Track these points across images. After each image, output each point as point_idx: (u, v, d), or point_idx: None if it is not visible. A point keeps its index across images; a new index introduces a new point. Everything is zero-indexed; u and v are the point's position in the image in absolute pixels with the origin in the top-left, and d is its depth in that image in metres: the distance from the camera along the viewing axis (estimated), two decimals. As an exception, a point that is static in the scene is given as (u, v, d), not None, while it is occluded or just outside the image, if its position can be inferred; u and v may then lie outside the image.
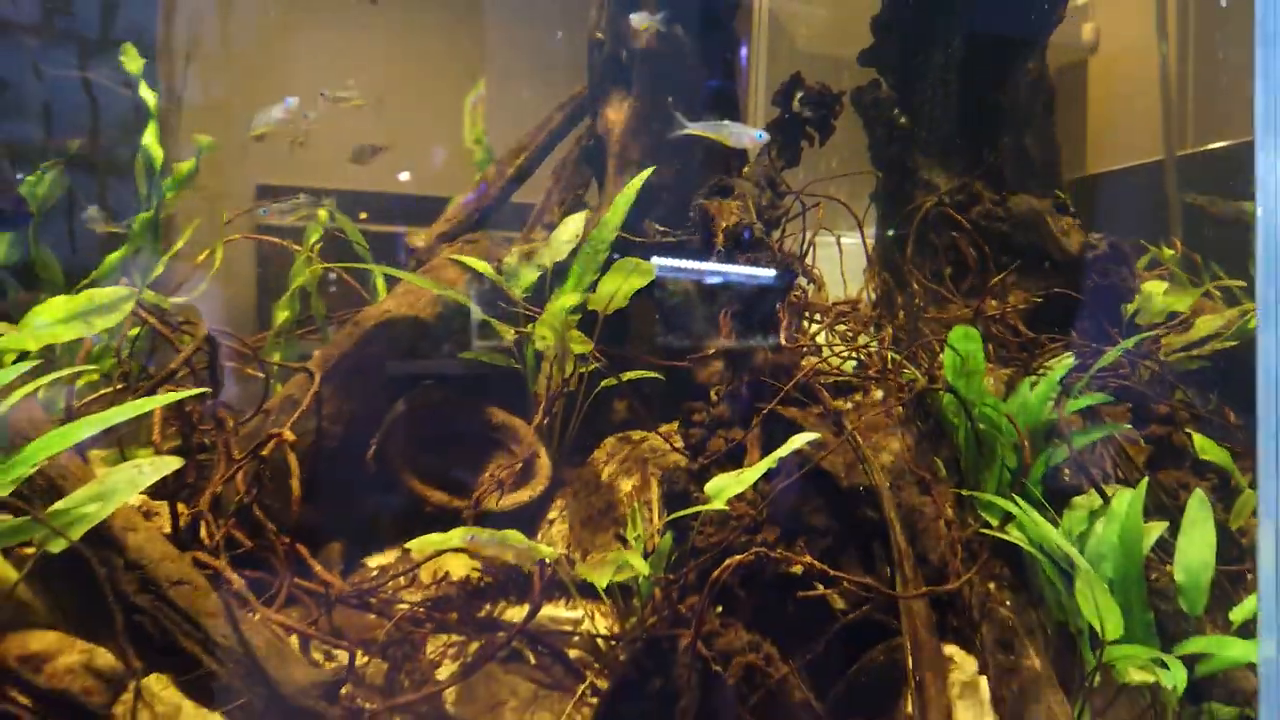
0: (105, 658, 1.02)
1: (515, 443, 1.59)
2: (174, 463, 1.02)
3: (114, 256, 1.49)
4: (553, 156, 1.93)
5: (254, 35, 1.85)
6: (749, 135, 1.50)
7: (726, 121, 1.53)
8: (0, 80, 1.45)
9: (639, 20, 1.58)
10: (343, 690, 1.11)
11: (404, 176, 2.00)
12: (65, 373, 1.08)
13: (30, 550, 1.00)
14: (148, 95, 1.52)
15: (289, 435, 1.22)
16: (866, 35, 1.98)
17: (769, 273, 1.44)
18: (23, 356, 1.10)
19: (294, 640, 1.17)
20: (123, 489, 0.97)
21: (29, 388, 0.99)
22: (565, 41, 1.98)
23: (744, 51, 1.83)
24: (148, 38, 1.65)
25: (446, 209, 1.79)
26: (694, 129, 1.51)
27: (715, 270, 1.47)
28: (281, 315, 1.65)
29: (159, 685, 1.00)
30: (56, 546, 0.93)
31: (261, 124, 1.41)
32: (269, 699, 1.03)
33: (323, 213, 1.68)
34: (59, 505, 0.96)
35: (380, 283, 1.71)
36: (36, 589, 1.04)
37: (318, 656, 1.26)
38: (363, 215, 1.69)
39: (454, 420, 1.58)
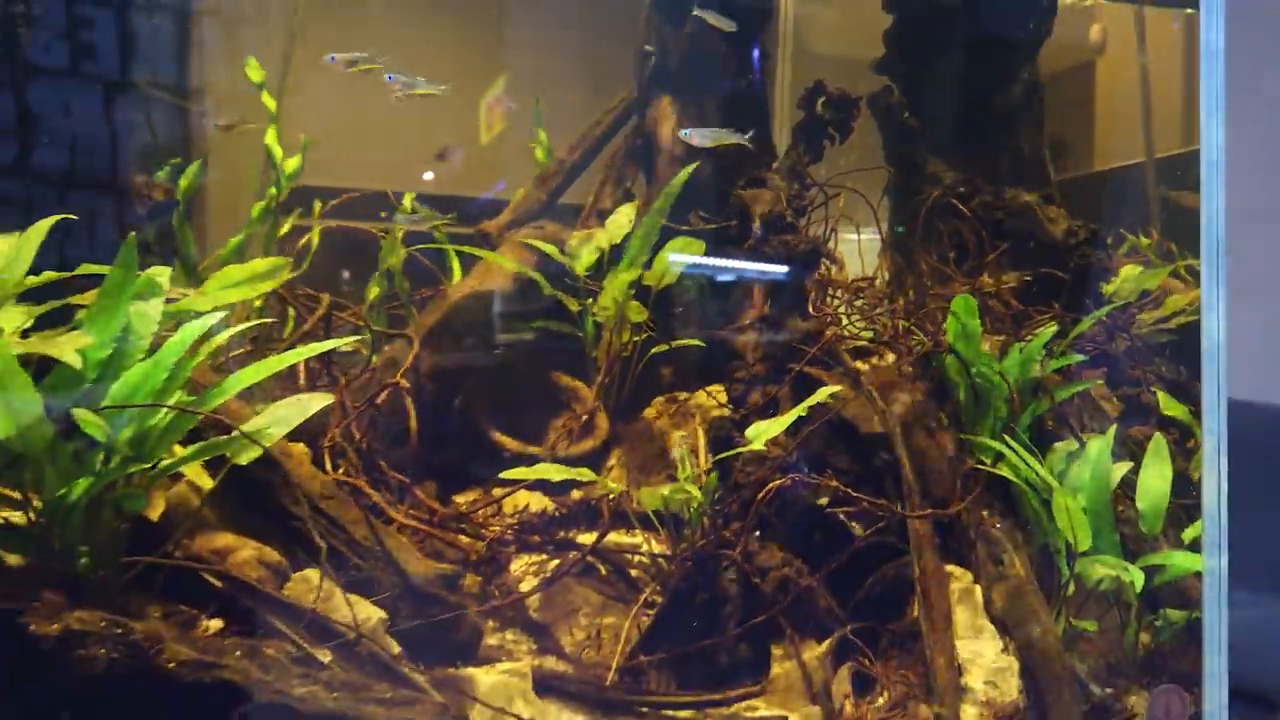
0: (272, 554, 1.27)
1: (576, 402, 1.84)
2: (327, 398, 1.27)
3: (235, 240, 1.74)
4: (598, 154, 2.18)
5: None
6: (738, 138, 1.75)
7: (722, 130, 1.78)
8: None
9: (693, 137, 1.79)
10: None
11: (428, 176, 2.18)
12: (244, 326, 1.32)
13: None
14: (269, 101, 1.78)
15: (404, 383, 1.47)
16: (879, 39, 2.22)
17: (797, 253, 1.69)
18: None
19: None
20: (293, 415, 1.22)
21: (221, 337, 1.24)
22: (609, 52, 2.22)
23: (756, 54, 2.08)
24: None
25: (511, 200, 2.05)
26: (691, 136, 1.76)
27: (751, 252, 1.72)
28: (373, 291, 1.90)
29: (314, 576, 1.26)
30: (247, 457, 1.18)
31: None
32: (402, 587, 1.28)
33: (406, 202, 1.93)
34: (244, 427, 1.20)
35: (456, 266, 1.96)
36: (205, 501, 1.29)
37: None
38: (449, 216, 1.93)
39: (523, 381, 1.84)
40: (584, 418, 1.72)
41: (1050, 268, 1.89)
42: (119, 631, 1.03)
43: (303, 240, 1.94)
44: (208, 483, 1.25)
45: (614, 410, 1.81)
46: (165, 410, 1.14)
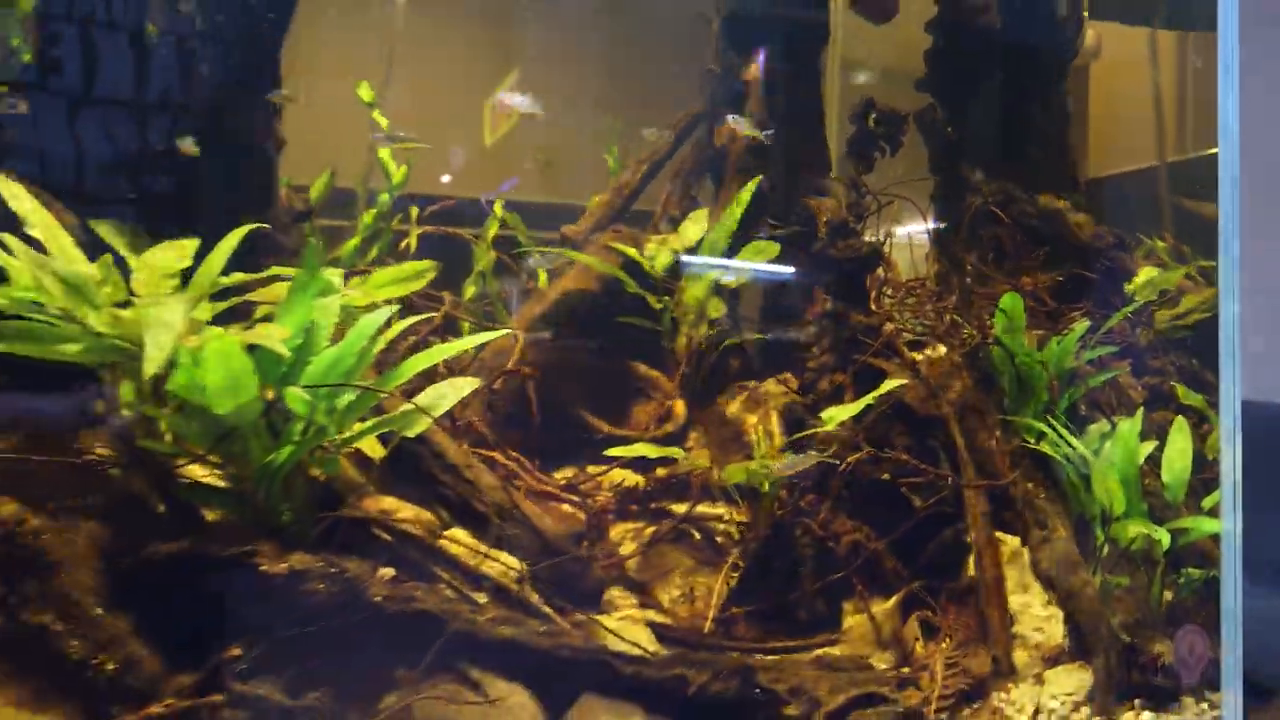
0: (426, 514, 1.47)
1: (654, 389, 2.05)
2: (475, 381, 1.46)
3: (353, 242, 1.94)
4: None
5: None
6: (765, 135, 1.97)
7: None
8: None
9: (736, 123, 2.01)
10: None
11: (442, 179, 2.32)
12: (412, 320, 1.52)
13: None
14: (381, 119, 1.97)
15: (527, 371, 1.67)
16: (920, 49, 2.41)
17: (860, 255, 1.90)
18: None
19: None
20: (451, 394, 1.42)
21: (396, 328, 1.44)
22: (669, 71, 2.43)
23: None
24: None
25: (588, 207, 2.25)
26: (738, 124, 1.97)
27: (816, 254, 1.93)
28: (469, 290, 2.10)
29: (462, 535, 1.46)
30: (416, 430, 1.38)
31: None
32: (537, 543, 1.48)
33: (497, 208, 2.13)
34: (408, 405, 1.40)
35: (541, 271, 2.15)
36: (360, 471, 1.49)
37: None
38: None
39: (607, 370, 2.04)
40: (667, 403, 1.93)
41: (1079, 268, 2.10)
42: (334, 571, 1.23)
43: (402, 243, 2.13)
44: (379, 451, 1.45)
45: (690, 397, 2.01)
46: (352, 389, 1.34)
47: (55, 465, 1.27)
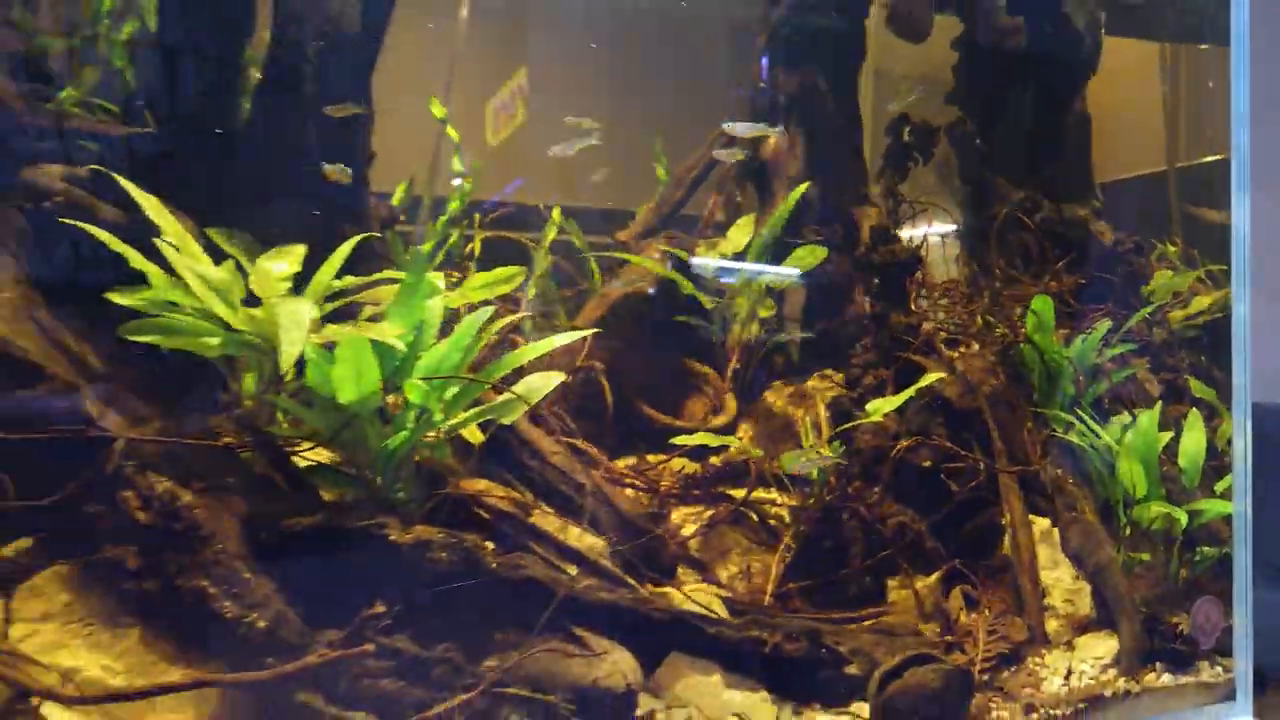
0: (517, 494, 1.62)
1: (706, 384, 2.20)
2: (561, 375, 1.61)
3: (426, 246, 2.08)
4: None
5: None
6: (773, 131, 2.12)
7: (758, 124, 2.12)
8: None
9: (745, 129, 2.15)
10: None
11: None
12: (511, 319, 1.66)
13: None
14: (453, 133, 2.12)
15: (599, 365, 1.82)
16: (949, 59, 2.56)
17: (901, 260, 2.05)
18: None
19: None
20: (542, 385, 1.56)
21: (496, 326, 1.58)
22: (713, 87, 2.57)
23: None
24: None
25: (637, 214, 2.40)
26: (734, 127, 2.10)
27: (860, 259, 2.08)
28: (530, 292, 2.25)
29: (548, 510, 1.60)
30: (511, 417, 1.53)
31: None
32: (615, 519, 1.63)
33: (555, 214, 2.28)
34: (508, 394, 1.54)
35: (595, 269, 2.30)
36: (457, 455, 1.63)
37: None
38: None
39: (662, 366, 2.19)
40: (721, 397, 2.08)
41: (1100, 273, 2.26)
42: (454, 541, 1.37)
43: (467, 247, 2.28)
44: (479, 437, 1.59)
45: (739, 391, 2.17)
46: (459, 380, 1.48)
47: (195, 448, 1.42)
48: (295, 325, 1.36)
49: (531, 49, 2.36)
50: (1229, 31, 1.89)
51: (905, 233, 2.32)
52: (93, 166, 1.53)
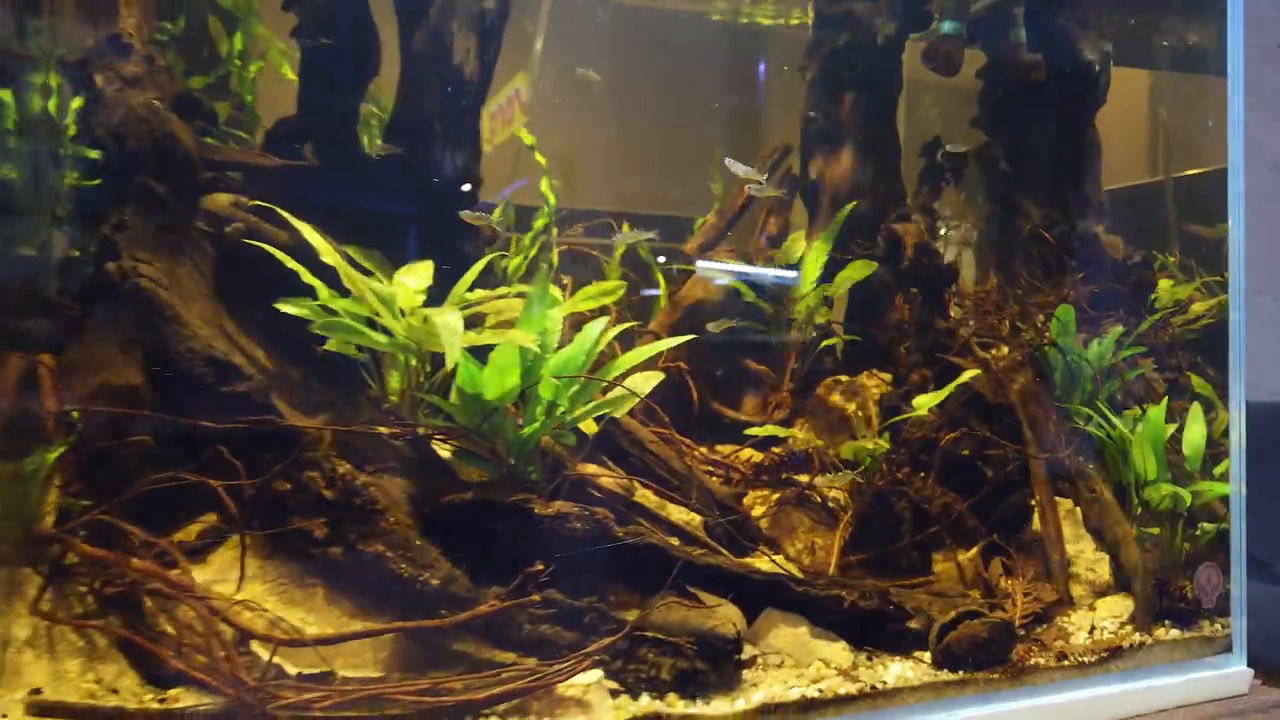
0: (622, 479, 1.87)
1: (765, 382, 2.46)
2: (660, 375, 1.86)
3: (515, 260, 2.33)
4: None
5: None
6: (759, 177, 2.37)
7: (752, 169, 2.37)
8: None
9: (743, 170, 2.40)
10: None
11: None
12: (622, 327, 1.91)
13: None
14: (540, 159, 2.37)
15: (684, 367, 2.08)
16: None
17: (940, 272, 2.33)
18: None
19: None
20: (645, 384, 1.82)
21: (611, 332, 1.83)
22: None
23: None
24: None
25: (696, 227, 2.65)
26: (733, 166, 2.36)
27: (904, 271, 2.35)
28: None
29: (649, 491, 1.86)
30: (623, 410, 1.78)
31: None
32: (708, 500, 1.89)
33: (625, 227, 2.52)
34: (619, 390, 1.79)
35: (660, 278, 2.55)
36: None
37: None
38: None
39: (727, 366, 2.45)
40: (782, 393, 2.35)
41: (1112, 283, 2.54)
42: (587, 514, 1.62)
43: (544, 260, 2.53)
44: (593, 428, 1.84)
45: (795, 389, 2.43)
46: (584, 379, 1.72)
47: (362, 435, 1.66)
48: (453, 333, 1.61)
49: (601, 76, 2.60)
50: (1222, 62, 2.17)
51: (945, 247, 2.59)
52: (257, 201, 1.77)
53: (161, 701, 1.40)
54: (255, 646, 1.45)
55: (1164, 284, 2.69)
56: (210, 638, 1.36)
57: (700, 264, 2.54)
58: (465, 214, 1.86)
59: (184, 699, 1.41)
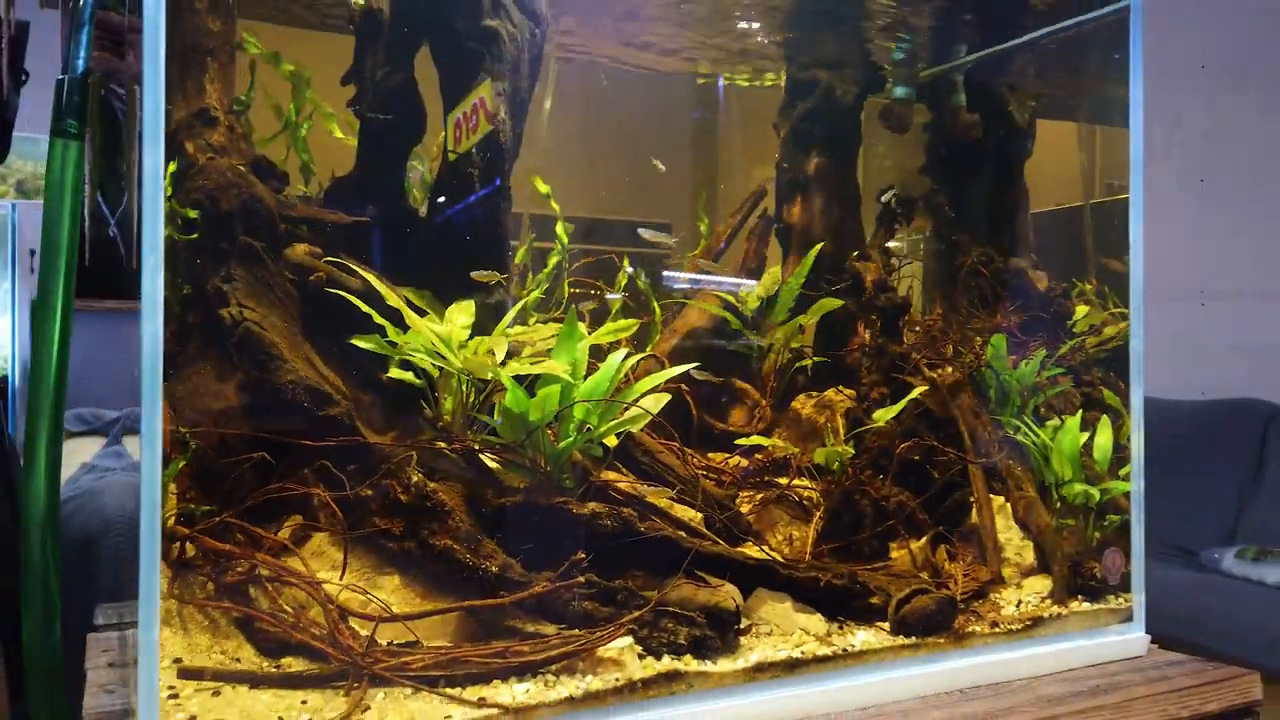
0: (636, 482, 2.23)
1: (747, 398, 2.85)
2: (666, 396, 2.23)
3: (535, 294, 2.67)
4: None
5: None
6: (665, 237, 2.79)
7: (661, 232, 2.78)
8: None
9: (650, 235, 2.80)
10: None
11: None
12: (638, 357, 2.28)
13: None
14: (555, 206, 2.72)
15: (685, 388, 2.45)
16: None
17: (896, 305, 2.74)
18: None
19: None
20: (655, 404, 2.18)
21: (630, 361, 2.19)
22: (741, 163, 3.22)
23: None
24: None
25: (686, 262, 3.03)
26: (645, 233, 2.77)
27: (864, 304, 2.76)
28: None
29: (660, 495, 2.23)
30: (640, 425, 2.14)
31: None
32: (704, 498, 2.27)
33: (625, 264, 2.90)
34: (636, 410, 2.15)
35: (657, 307, 2.93)
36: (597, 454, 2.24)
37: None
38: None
39: (714, 385, 2.84)
40: (762, 408, 2.74)
41: (1039, 311, 2.99)
42: (615, 512, 1.98)
43: (555, 294, 2.88)
44: (614, 442, 2.20)
45: (773, 404, 2.83)
46: (608, 402, 2.08)
47: (427, 450, 2.01)
48: (502, 361, 1.96)
49: (590, 137, 2.97)
50: (1126, 117, 2.62)
51: (899, 281, 3.01)
52: (331, 257, 2.10)
53: (277, 667, 1.73)
54: (353, 623, 1.79)
55: (1081, 310, 3.16)
56: (327, 615, 1.70)
57: (707, 274, 2.93)
58: (476, 274, 2.20)
59: (294, 665, 1.74)
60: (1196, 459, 5.56)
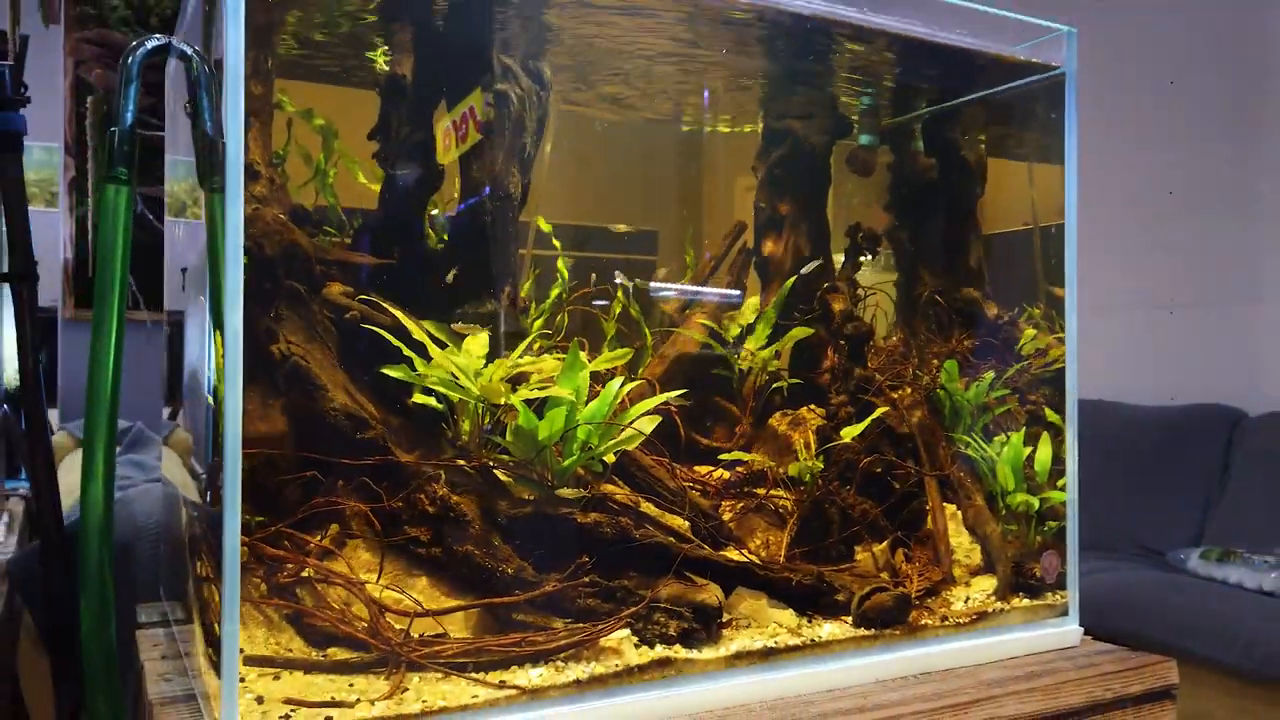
0: (630, 494, 2.52)
1: (728, 416, 3.15)
2: (658, 418, 2.52)
3: (538, 324, 2.96)
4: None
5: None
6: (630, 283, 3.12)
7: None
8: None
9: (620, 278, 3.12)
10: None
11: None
12: (632, 385, 2.57)
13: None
14: (557, 244, 3.01)
15: (673, 408, 2.74)
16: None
17: (861, 333, 3.06)
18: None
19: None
20: (647, 425, 2.47)
21: (626, 388, 2.48)
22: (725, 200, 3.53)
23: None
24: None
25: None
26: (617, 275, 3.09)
27: (833, 331, 3.08)
28: (604, 353, 3.14)
29: (651, 507, 2.52)
30: (634, 444, 2.43)
31: None
32: (694, 510, 2.57)
33: (620, 294, 3.19)
34: (631, 430, 2.45)
35: (648, 332, 3.22)
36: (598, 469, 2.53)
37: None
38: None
39: (698, 404, 3.14)
40: (743, 425, 3.04)
41: (988, 337, 3.33)
42: (614, 520, 2.26)
43: (557, 319, 3.17)
44: (612, 458, 2.48)
45: (752, 421, 3.13)
46: (605, 423, 2.37)
47: (449, 467, 2.29)
48: (506, 390, 2.25)
49: (586, 180, 3.26)
50: (1062, 157, 2.96)
51: (864, 310, 3.33)
52: (363, 295, 2.38)
53: (324, 656, 2.01)
54: (389, 618, 2.07)
55: (1028, 333, 3.50)
56: (370, 611, 1.98)
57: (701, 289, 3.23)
58: (456, 326, 2.48)
59: (339, 655, 2.02)
60: (1166, 463, 5.79)
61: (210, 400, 1.94)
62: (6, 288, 3.35)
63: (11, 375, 4.95)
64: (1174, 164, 7.37)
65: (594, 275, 3.21)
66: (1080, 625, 2.84)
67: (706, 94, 3.24)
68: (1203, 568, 4.80)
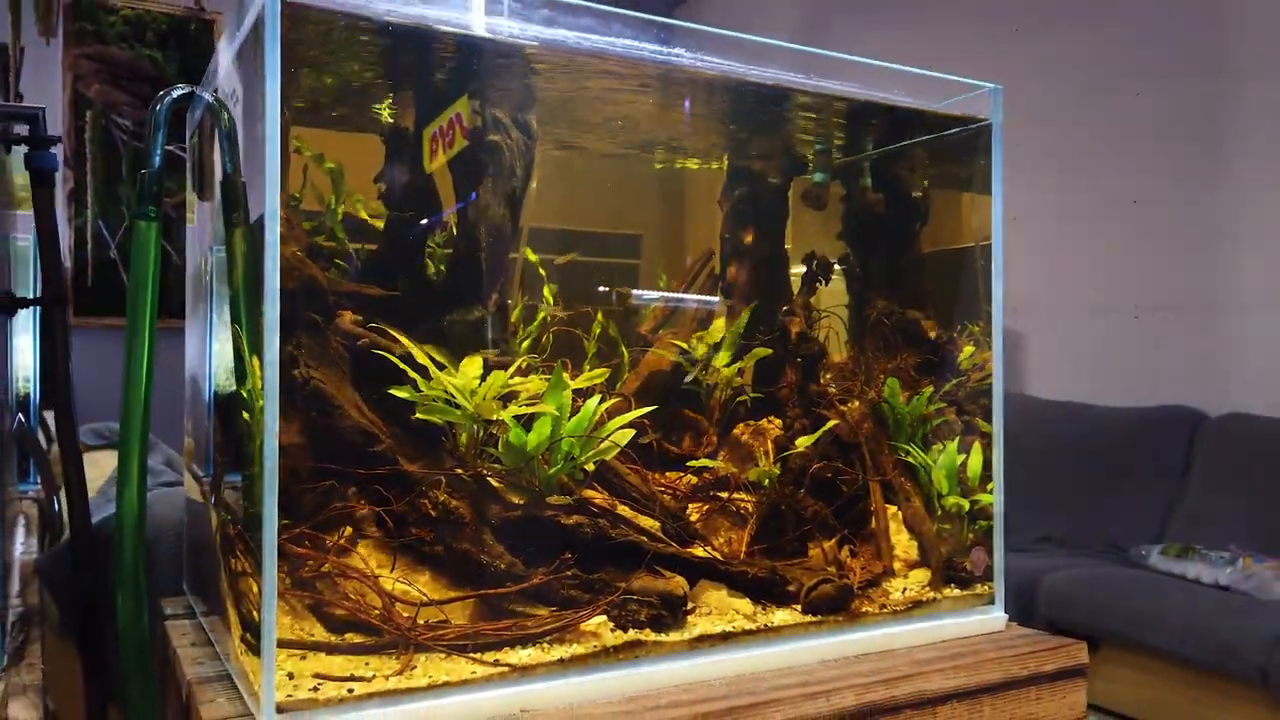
0: (607, 498, 2.85)
1: (697, 427, 3.50)
2: (632, 431, 2.86)
3: (525, 344, 3.28)
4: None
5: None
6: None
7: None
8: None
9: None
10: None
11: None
12: (610, 402, 2.91)
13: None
14: (542, 272, 3.33)
15: (647, 422, 3.08)
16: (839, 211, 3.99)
17: (815, 352, 3.42)
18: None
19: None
20: (623, 437, 2.81)
21: (604, 405, 2.81)
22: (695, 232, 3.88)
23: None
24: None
25: (648, 313, 3.67)
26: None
27: (790, 352, 3.44)
28: (585, 369, 3.47)
29: (626, 510, 2.85)
30: (611, 454, 2.77)
31: None
32: (661, 510, 2.91)
33: (599, 317, 3.52)
34: (608, 442, 2.78)
35: (625, 351, 3.56)
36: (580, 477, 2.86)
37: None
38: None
39: (670, 417, 3.48)
40: (710, 435, 3.39)
41: (930, 355, 3.71)
42: (592, 522, 2.59)
43: (544, 338, 3.49)
44: (591, 467, 2.81)
45: (718, 431, 3.48)
46: (585, 435, 2.70)
47: (449, 476, 2.61)
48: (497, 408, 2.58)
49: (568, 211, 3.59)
50: (989, 188, 3.33)
51: (819, 332, 3.69)
52: (373, 322, 2.69)
53: (342, 640, 2.33)
54: (398, 607, 2.39)
55: (967, 349, 3.88)
56: (383, 600, 2.30)
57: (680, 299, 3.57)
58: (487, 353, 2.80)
59: (354, 639, 2.34)
60: (1132, 463, 5.98)
61: (246, 416, 2.25)
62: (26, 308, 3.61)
63: (23, 385, 5.20)
64: (1138, 173, 7.85)
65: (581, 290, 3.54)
66: (1005, 613, 3.21)
67: (675, 138, 3.59)
68: (1163, 563, 5.16)
